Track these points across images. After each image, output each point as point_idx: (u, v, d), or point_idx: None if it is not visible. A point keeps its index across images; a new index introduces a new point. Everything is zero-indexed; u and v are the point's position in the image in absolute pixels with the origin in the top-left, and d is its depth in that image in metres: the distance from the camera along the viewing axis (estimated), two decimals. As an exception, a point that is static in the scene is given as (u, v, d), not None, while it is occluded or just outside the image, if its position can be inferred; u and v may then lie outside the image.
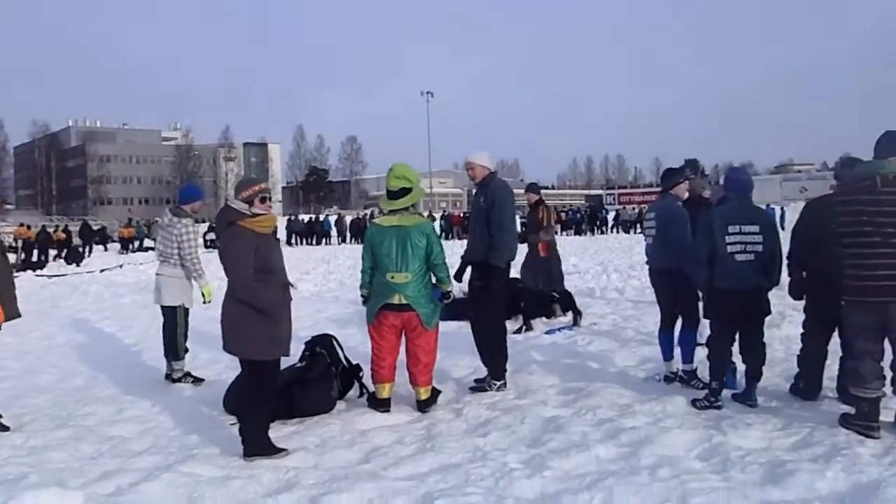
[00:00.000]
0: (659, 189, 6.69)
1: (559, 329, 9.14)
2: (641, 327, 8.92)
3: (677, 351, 6.26)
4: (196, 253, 7.08)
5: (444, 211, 55.90)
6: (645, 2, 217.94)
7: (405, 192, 5.79)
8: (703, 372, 5.83)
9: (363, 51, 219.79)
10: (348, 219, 45.49)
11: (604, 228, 45.96)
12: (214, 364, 7.57)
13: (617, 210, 51.26)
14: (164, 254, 7.13)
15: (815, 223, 5.36)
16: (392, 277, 5.64)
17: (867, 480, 3.90)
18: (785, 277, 5.66)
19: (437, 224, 42.86)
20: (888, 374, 4.77)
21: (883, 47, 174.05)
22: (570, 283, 14.43)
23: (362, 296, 5.99)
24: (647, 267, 6.67)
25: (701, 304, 6.12)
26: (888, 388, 4.77)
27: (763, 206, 28.88)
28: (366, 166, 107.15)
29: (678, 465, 4.23)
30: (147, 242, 36.49)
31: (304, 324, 10.03)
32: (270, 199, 4.94)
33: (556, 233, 44.79)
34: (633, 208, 49.91)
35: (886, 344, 4.78)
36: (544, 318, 9.88)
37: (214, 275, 7.16)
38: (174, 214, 7.14)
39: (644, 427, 4.92)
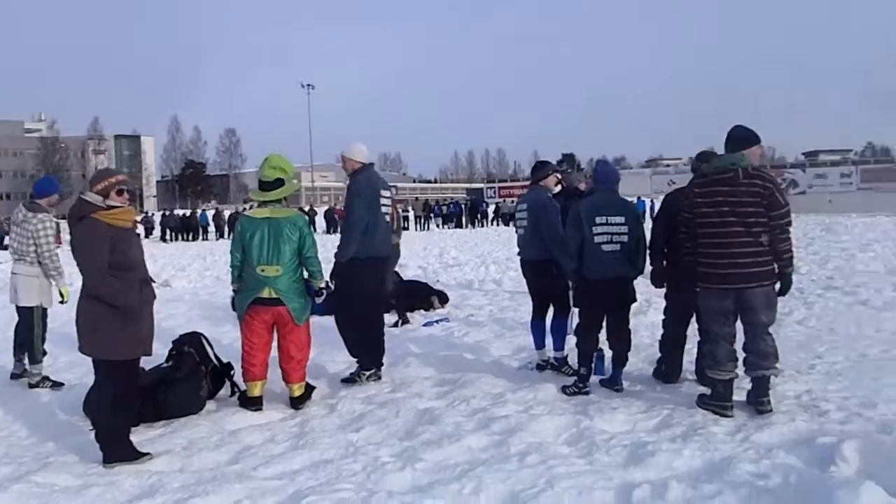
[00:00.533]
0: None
1: (437, 321, 9.20)
2: (518, 317, 9.09)
3: (549, 339, 6.43)
4: (54, 250, 6.69)
5: (336, 205, 55.19)
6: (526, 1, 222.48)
7: (279, 183, 5.67)
8: (574, 359, 5.98)
9: (242, 40, 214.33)
10: (227, 213, 44.28)
11: (484, 221, 46.68)
12: (76, 367, 7.16)
13: (497, 203, 52.08)
14: (19, 252, 6.71)
15: (674, 215, 5.58)
16: (262, 270, 5.50)
17: (720, 458, 4.11)
18: (649, 266, 5.89)
19: (320, 218, 42.44)
20: (741, 356, 5.04)
21: (741, 51, 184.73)
22: (449, 276, 14.69)
23: (234, 291, 5.82)
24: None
25: (571, 293, 6.29)
26: (740, 370, 5.04)
27: (634, 199, 29.88)
28: (245, 160, 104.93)
29: (546, 451, 4.33)
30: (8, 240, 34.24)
31: (178, 322, 9.71)
32: (129, 191, 4.70)
33: (438, 226, 44.63)
34: (513, 201, 50.79)
35: (738, 326, 5.06)
36: (422, 311, 9.95)
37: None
38: (29, 209, 6.73)
39: (515, 415, 5.01)
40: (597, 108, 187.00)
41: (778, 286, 5.01)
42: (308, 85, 73.71)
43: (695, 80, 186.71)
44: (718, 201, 4.91)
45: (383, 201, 6.19)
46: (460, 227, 44.64)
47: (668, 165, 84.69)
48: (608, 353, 5.90)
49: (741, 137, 5.09)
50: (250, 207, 5.99)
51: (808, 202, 46.66)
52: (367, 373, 6.19)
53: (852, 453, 3.90)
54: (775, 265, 4.94)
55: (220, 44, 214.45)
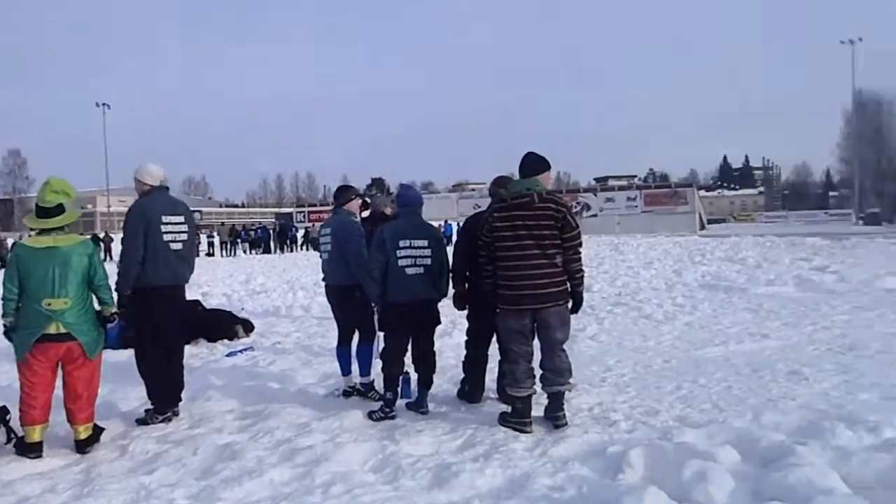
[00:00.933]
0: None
1: (241, 350, 8.87)
2: (325, 343, 8.96)
3: (355, 365, 6.38)
4: None
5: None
6: (331, 22, 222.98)
7: (61, 209, 5.23)
8: (381, 383, 5.96)
9: (27, 52, 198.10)
10: (10, 241, 40.50)
11: (293, 246, 45.98)
12: None
13: (307, 228, 51.52)
14: None
15: (474, 238, 5.73)
16: (49, 304, 5.03)
17: (520, 474, 4.25)
18: (453, 289, 6.00)
19: (117, 245, 39.88)
20: (538, 373, 5.25)
21: (538, 81, 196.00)
22: (256, 303, 14.28)
23: (5, 325, 5.28)
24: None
25: (376, 318, 6.29)
26: (538, 386, 5.25)
27: (442, 222, 30.75)
28: (32, 183, 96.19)
29: (352, 480, 4.27)
30: None
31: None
32: None
33: (245, 252, 43.26)
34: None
35: (535, 344, 5.28)
36: (226, 340, 9.57)
37: None
38: None
39: (320, 445, 4.89)
40: (406, 134, 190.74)
41: (571, 304, 5.28)
42: (104, 104, 69.47)
43: (497, 106, 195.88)
44: (517, 225, 5.10)
45: (166, 228, 5.76)
46: (268, 252, 43.66)
47: (473, 189, 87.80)
48: (414, 376, 5.94)
49: (534, 163, 5.34)
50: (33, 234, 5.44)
51: (599, 224, 50.39)
52: (161, 416, 5.80)
53: (638, 460, 4.17)
54: (568, 284, 5.21)
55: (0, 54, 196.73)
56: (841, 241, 28.87)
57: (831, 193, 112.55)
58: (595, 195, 57.87)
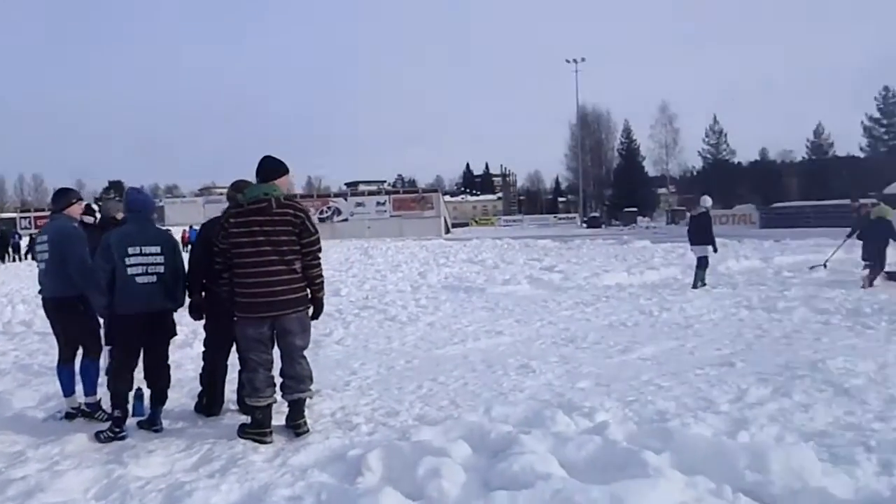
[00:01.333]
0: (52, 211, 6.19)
1: (-57, 375, 7.82)
2: (48, 362, 8.13)
3: (80, 384, 5.87)
4: None
5: None
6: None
7: None
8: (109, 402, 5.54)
9: None
10: None
11: (16, 256, 41.51)
12: None
13: (31, 235, 46.77)
14: None
15: (210, 244, 5.51)
16: None
17: (258, 486, 4.13)
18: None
19: None
20: (279, 380, 5.16)
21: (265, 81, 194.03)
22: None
23: None
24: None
25: (103, 331, 5.84)
26: (279, 394, 5.16)
27: (187, 227, 29.55)
28: None
29: (71, 511, 3.91)
30: None
31: None
32: None
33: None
34: (51, 232, 45.99)
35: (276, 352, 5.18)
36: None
37: None
38: None
39: (35, 475, 4.41)
40: (149, 135, 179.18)
41: (311, 310, 5.25)
42: None
43: (245, 109, 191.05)
44: (254, 231, 4.97)
45: None
46: (-16, 262, 39.00)
47: (220, 194, 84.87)
48: (147, 392, 5.58)
49: (271, 167, 5.23)
50: None
51: (350, 228, 51.09)
52: None
53: (376, 462, 4.23)
54: (308, 291, 5.18)
55: None
56: (567, 243, 31.62)
57: (560, 199, 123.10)
58: (346, 200, 58.46)
